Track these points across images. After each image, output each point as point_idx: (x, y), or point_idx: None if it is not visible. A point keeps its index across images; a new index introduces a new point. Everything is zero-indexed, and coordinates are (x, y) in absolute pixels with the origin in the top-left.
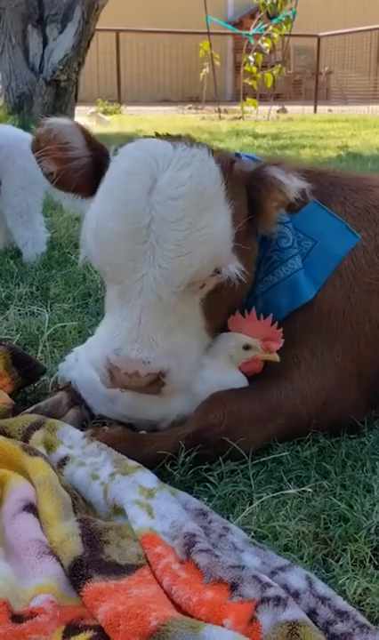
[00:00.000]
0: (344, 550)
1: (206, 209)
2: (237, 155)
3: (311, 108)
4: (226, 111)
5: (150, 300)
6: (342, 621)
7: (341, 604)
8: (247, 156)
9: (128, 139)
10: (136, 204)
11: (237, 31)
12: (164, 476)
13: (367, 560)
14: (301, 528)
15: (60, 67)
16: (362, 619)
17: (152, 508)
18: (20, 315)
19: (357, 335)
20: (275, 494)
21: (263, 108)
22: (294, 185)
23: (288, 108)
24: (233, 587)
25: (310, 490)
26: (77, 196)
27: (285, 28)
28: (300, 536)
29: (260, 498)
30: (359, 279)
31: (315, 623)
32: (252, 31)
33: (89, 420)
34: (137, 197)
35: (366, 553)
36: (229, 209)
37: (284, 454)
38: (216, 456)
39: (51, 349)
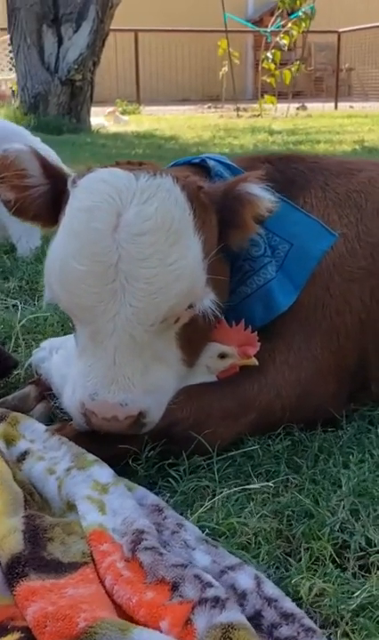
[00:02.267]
0: (307, 549)
1: (176, 242)
2: (203, 160)
3: (332, 104)
4: (245, 109)
5: (124, 340)
6: (287, 624)
7: (288, 605)
8: (215, 160)
9: (142, 137)
10: (101, 242)
11: (255, 28)
12: (129, 472)
13: (328, 558)
14: (262, 525)
15: (75, 66)
16: (308, 622)
17: (105, 504)
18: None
19: (336, 327)
20: (233, 489)
21: (283, 106)
22: (268, 196)
23: (309, 105)
24: (174, 587)
25: (271, 484)
26: (37, 224)
27: (304, 24)
28: (261, 533)
29: (221, 493)
30: (339, 268)
31: (259, 626)
32: (270, 28)
33: (56, 415)
34: (102, 236)
35: (329, 551)
36: (199, 239)
37: (254, 448)
38: (185, 451)
39: (29, 342)
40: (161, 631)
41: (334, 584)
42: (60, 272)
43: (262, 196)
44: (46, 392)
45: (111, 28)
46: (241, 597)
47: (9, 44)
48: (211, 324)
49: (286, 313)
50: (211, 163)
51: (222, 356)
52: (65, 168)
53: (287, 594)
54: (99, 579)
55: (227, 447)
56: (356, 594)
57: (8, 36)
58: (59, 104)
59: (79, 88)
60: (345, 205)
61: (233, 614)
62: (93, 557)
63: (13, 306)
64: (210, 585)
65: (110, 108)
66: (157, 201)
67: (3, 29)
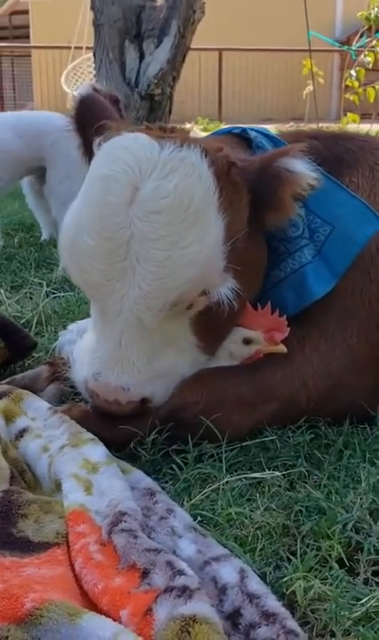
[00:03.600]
0: (313, 548)
1: (193, 224)
2: (244, 130)
3: None
4: (327, 128)
5: (131, 323)
6: (266, 625)
7: (271, 604)
8: (257, 131)
9: None
10: (114, 218)
11: (339, 46)
12: (135, 457)
13: (334, 559)
14: (267, 519)
15: (155, 81)
16: (291, 623)
17: (92, 484)
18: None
19: (376, 315)
20: (237, 477)
21: (366, 126)
22: (308, 172)
23: None
24: (144, 573)
25: (278, 474)
26: None
27: None
28: (264, 527)
29: (227, 483)
30: None
31: (237, 625)
32: (354, 45)
33: (68, 397)
34: (115, 210)
35: (337, 551)
36: (222, 220)
37: (271, 438)
38: (193, 437)
39: (58, 328)
40: (121, 620)
41: (337, 587)
42: (71, 244)
43: (303, 173)
44: (60, 373)
45: (196, 47)
46: (221, 592)
47: (93, 62)
48: (233, 311)
49: (321, 298)
50: (252, 134)
51: (247, 341)
52: None
53: (282, 595)
54: (70, 561)
55: (242, 437)
56: (362, 601)
57: (92, 54)
58: (137, 118)
59: (158, 102)
60: None
61: (199, 606)
62: (68, 538)
63: (52, 293)
64: (181, 573)
65: (189, 125)
66: (178, 176)
67: (88, 48)
